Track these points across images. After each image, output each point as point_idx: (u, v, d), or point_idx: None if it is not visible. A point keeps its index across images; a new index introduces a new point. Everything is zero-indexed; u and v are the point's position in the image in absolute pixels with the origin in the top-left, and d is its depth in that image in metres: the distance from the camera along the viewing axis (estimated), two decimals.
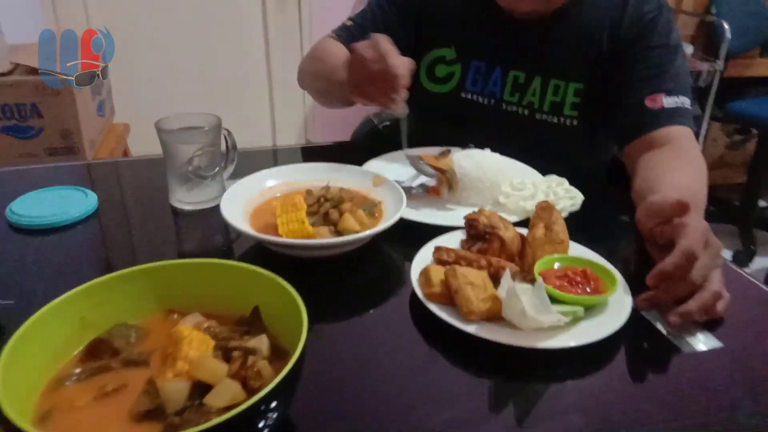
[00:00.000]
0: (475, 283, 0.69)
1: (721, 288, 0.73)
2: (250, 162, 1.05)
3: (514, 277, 0.74)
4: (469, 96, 1.27)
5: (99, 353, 0.58)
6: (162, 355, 0.58)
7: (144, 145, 2.93)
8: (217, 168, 0.97)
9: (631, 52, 1.14)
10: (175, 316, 0.63)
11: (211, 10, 2.90)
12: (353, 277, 0.83)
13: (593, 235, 0.94)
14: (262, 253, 0.84)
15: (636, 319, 0.72)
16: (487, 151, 1.05)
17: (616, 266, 0.80)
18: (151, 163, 1.15)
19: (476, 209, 0.85)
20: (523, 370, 0.66)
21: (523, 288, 0.68)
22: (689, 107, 1.12)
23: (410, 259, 0.80)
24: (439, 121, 1.32)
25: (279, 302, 0.59)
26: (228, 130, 1.00)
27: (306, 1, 2.96)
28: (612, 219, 1.04)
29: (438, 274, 0.73)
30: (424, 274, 0.74)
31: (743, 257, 2.75)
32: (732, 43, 2.56)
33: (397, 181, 0.98)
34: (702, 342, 0.71)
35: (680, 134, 1.08)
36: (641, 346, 0.72)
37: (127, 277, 0.62)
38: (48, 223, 0.91)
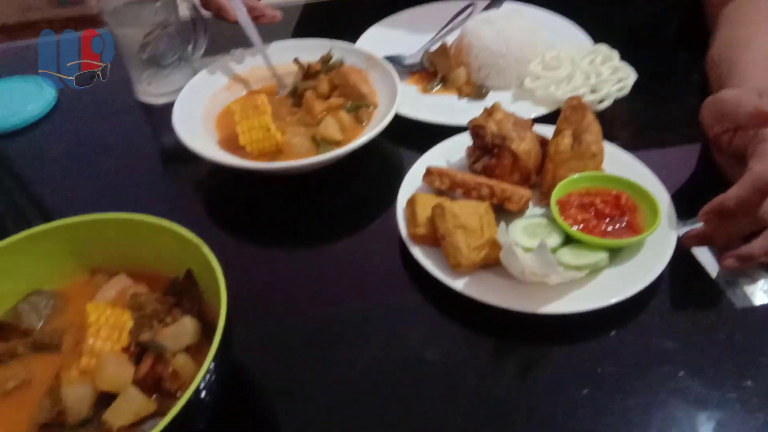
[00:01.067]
0: (467, 226, 0.54)
1: None
2: (226, 31, 0.87)
3: (522, 207, 0.58)
4: None
5: (4, 335, 0.50)
6: (76, 336, 0.49)
7: None
8: (178, 53, 0.80)
9: None
10: (100, 277, 0.53)
11: None
12: (333, 196, 0.69)
13: (643, 133, 0.74)
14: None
15: (679, 255, 0.56)
16: (515, 10, 0.82)
17: (668, 181, 0.62)
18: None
19: (490, 103, 0.66)
20: (525, 332, 0.54)
21: (540, 236, 0.53)
22: None
23: (398, 173, 0.65)
24: None
25: (206, 273, 0.48)
26: (193, 4, 0.81)
27: None
28: (672, 105, 0.81)
29: (425, 208, 0.58)
30: (411, 205, 0.59)
31: None
32: None
33: (397, 57, 0.79)
34: (763, 292, 0.55)
35: None
36: (680, 294, 0.56)
37: (39, 236, 0.52)
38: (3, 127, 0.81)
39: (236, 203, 0.70)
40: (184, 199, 0.72)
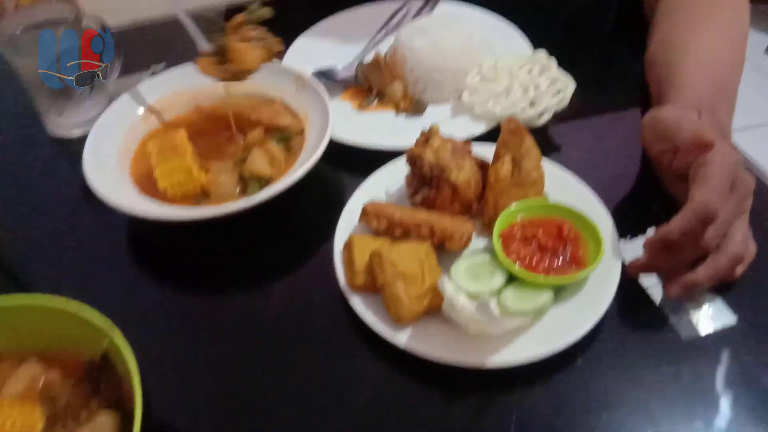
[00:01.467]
0: (408, 275, 0.51)
1: (743, 246, 0.54)
2: (149, 40, 0.80)
3: (464, 245, 0.56)
4: None
5: None
6: None
7: None
8: (94, 77, 0.74)
9: None
10: (7, 364, 0.48)
11: None
12: (264, 236, 0.65)
13: (582, 146, 0.72)
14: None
15: (623, 281, 0.54)
16: (450, 15, 0.78)
17: (610, 196, 0.61)
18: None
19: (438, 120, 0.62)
20: (473, 383, 0.51)
21: (484, 278, 0.50)
22: None
23: (335, 208, 0.62)
24: None
25: (121, 361, 0.43)
26: (100, 22, 0.74)
27: None
28: (611, 114, 0.78)
29: (363, 253, 0.54)
30: (348, 250, 0.56)
31: None
32: None
33: (329, 70, 0.74)
34: (709, 319, 0.54)
35: None
36: (626, 326, 0.55)
37: None
38: None
39: (158, 251, 0.66)
40: (102, 248, 0.67)
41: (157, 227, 0.65)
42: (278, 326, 0.57)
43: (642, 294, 0.56)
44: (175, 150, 0.62)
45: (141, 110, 0.71)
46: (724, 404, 0.49)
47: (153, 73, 0.84)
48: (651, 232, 0.58)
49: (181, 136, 0.63)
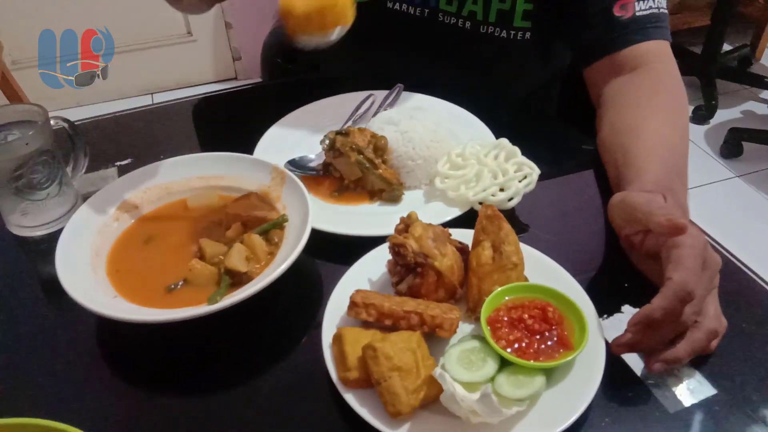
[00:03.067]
0: (403, 367, 0.51)
1: (717, 321, 0.57)
2: (114, 135, 0.80)
3: (454, 331, 0.57)
4: (396, 6, 1.00)
5: None
6: None
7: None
8: (59, 176, 0.72)
9: None
10: None
11: None
12: (248, 329, 0.63)
13: (550, 222, 0.75)
14: None
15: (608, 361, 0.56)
16: (415, 107, 0.83)
17: (583, 274, 0.63)
18: None
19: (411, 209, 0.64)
20: None
21: (476, 366, 0.51)
22: (664, 10, 0.88)
23: (329, 290, 0.62)
24: (359, 39, 1.06)
25: None
26: (69, 122, 0.74)
27: None
28: (570, 189, 0.84)
29: (354, 347, 0.54)
30: (337, 343, 0.56)
31: (705, 113, 2.60)
32: None
33: (302, 159, 0.76)
34: (691, 391, 0.56)
35: (656, 53, 0.86)
36: (613, 400, 0.56)
37: None
38: None
39: (133, 351, 0.63)
40: (72, 353, 0.64)
41: (135, 327, 0.63)
42: (269, 425, 0.56)
43: (626, 370, 0.58)
44: None
45: (113, 208, 0.70)
46: None
47: (119, 170, 0.83)
48: (627, 309, 0.61)
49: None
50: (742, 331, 0.61)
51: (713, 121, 2.60)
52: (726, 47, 2.80)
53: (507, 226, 0.61)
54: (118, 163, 0.85)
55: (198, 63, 2.92)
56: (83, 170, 0.77)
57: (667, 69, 0.85)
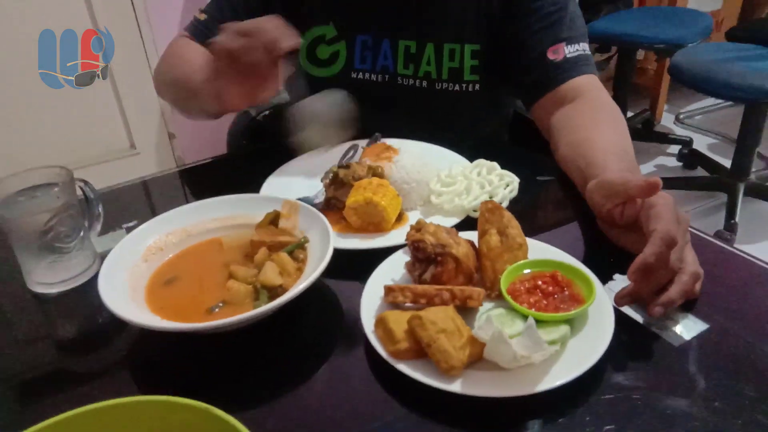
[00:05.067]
0: (447, 329, 0.58)
1: (697, 266, 0.67)
2: (114, 204, 0.85)
3: (481, 303, 0.64)
4: (360, 75, 1.13)
5: None
6: None
7: None
8: (82, 232, 0.77)
9: (523, 5, 1.05)
10: None
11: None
12: (280, 341, 0.68)
13: (537, 219, 0.86)
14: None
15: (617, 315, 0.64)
16: (399, 142, 0.93)
17: (572, 252, 0.72)
18: None
19: (413, 223, 0.73)
20: (518, 412, 0.56)
21: (512, 321, 0.58)
22: (589, 52, 1.05)
23: (351, 301, 0.67)
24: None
25: None
26: (84, 181, 0.79)
27: None
28: (547, 193, 0.97)
29: (399, 323, 0.60)
30: (381, 325, 0.61)
31: None
32: None
33: (304, 199, 0.83)
34: (688, 328, 0.65)
35: (588, 84, 1.02)
36: (628, 344, 0.64)
37: None
38: None
39: (175, 376, 0.66)
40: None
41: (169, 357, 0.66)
42: (323, 410, 0.59)
43: (631, 321, 0.66)
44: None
45: (141, 251, 0.74)
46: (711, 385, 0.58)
47: (128, 230, 0.88)
48: (617, 276, 0.70)
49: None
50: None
51: None
52: (630, 113, 3.16)
53: (507, 214, 0.70)
54: (125, 225, 0.89)
55: (142, 175, 2.97)
56: (99, 228, 0.81)
57: (601, 95, 1.00)
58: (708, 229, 2.35)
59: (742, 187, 2.46)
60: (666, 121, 3.36)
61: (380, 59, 1.12)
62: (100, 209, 0.81)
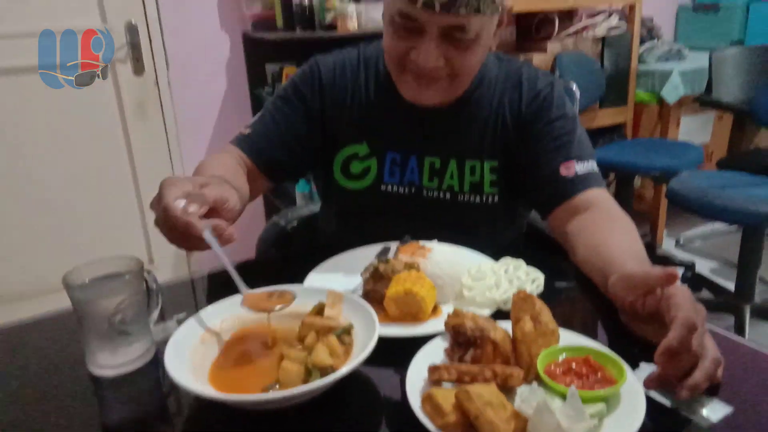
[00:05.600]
0: (493, 403, 0.63)
1: (717, 353, 0.72)
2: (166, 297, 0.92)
3: (519, 381, 0.69)
4: (389, 188, 1.24)
5: None
6: None
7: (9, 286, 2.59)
8: (144, 317, 0.83)
9: (536, 127, 1.18)
10: None
11: (64, 129, 2.68)
12: (335, 419, 0.72)
13: (563, 312, 0.92)
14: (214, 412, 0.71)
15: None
16: (429, 243, 1.02)
17: (599, 341, 0.78)
18: (55, 322, 0.98)
19: (449, 311, 0.79)
20: None
21: (552, 399, 0.62)
22: (597, 169, 1.17)
23: (392, 384, 0.72)
24: (359, 217, 1.28)
25: None
26: (148, 271, 0.87)
27: (168, 105, 2.85)
28: (569, 289, 1.04)
29: (447, 398, 0.65)
30: (429, 401, 0.66)
31: None
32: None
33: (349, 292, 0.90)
34: (714, 411, 0.69)
35: (600, 196, 1.12)
36: (659, 425, 0.68)
37: None
38: None
39: None
40: None
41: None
42: None
43: (659, 404, 0.70)
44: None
45: (199, 335, 0.80)
46: None
47: (178, 321, 0.94)
48: (643, 365, 0.76)
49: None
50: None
51: None
52: None
53: (539, 302, 0.77)
54: (176, 317, 0.95)
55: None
56: (156, 315, 0.88)
57: (613, 206, 1.10)
58: None
59: (748, 310, 2.50)
60: (667, 245, 3.48)
61: (407, 174, 1.23)
62: (160, 299, 0.88)
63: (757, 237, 2.46)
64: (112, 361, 0.81)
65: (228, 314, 0.85)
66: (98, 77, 2.62)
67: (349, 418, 0.73)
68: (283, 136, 1.23)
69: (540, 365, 0.70)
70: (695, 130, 3.45)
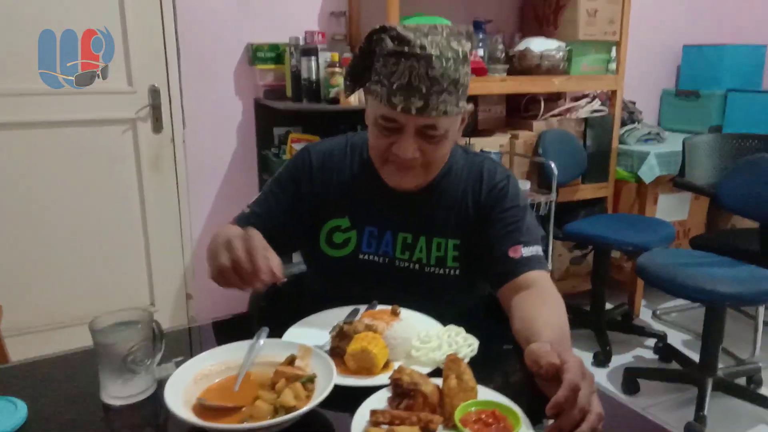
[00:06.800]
0: None
1: (600, 410, 0.92)
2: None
3: (437, 425, 0.88)
4: (366, 257, 1.45)
5: None
6: None
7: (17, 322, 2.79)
8: (150, 359, 1.03)
9: (492, 214, 1.41)
10: None
11: (83, 176, 2.93)
12: None
13: (490, 372, 1.12)
14: None
15: None
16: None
17: (513, 398, 0.97)
18: (76, 358, 1.18)
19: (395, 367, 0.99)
20: None
21: None
22: (541, 253, 1.38)
23: (344, 423, 0.91)
24: (339, 280, 1.48)
25: None
26: (156, 321, 1.07)
27: (182, 161, 3.10)
28: (501, 353, 1.23)
29: None
30: None
31: (602, 358, 3.09)
32: (558, 177, 3.07)
33: (317, 347, 1.10)
34: None
35: (540, 277, 1.33)
36: None
37: None
38: None
39: None
40: None
41: None
42: None
43: None
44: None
45: (192, 376, 1.00)
46: None
47: (176, 363, 1.13)
48: (547, 421, 0.94)
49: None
50: None
51: (611, 365, 3.09)
52: (609, 305, 3.45)
53: (464, 364, 0.97)
54: (174, 360, 1.15)
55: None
56: (159, 358, 1.07)
57: (548, 286, 1.31)
58: (680, 421, 2.54)
59: (710, 382, 2.65)
60: (644, 315, 3.65)
61: (383, 246, 1.45)
62: (163, 344, 1.08)
63: (719, 314, 2.64)
64: (121, 393, 1.01)
65: (217, 360, 1.05)
66: (123, 132, 2.89)
67: None
68: (277, 214, 1.46)
69: (457, 415, 0.90)
70: (673, 207, 3.67)
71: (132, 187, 3.04)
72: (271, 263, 1.09)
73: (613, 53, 3.40)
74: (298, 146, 2.86)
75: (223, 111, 3.14)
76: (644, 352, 3.24)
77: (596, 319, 3.27)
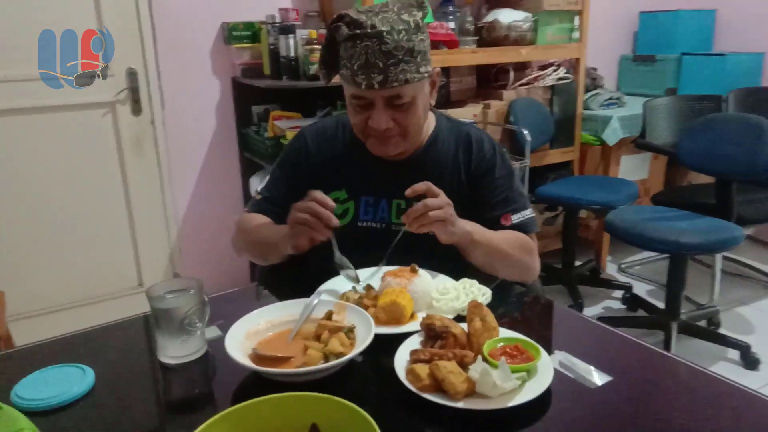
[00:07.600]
0: (454, 371, 0.96)
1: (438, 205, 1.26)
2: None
3: (471, 360, 1.02)
4: (364, 224, 1.57)
5: None
6: None
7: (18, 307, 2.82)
8: (202, 322, 1.13)
9: (484, 182, 1.55)
10: None
11: (64, 161, 2.94)
12: (345, 388, 1.04)
13: (503, 315, 1.27)
14: (255, 388, 1.02)
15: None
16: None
17: (527, 334, 1.12)
18: (132, 323, 1.30)
19: (423, 316, 1.12)
20: (496, 421, 0.93)
21: (491, 369, 0.96)
22: (530, 214, 1.54)
23: (377, 365, 1.04)
24: (341, 248, 1.60)
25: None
26: (206, 291, 1.17)
27: (162, 142, 3.13)
28: (510, 298, 1.39)
29: (422, 370, 0.98)
30: (411, 373, 0.99)
31: (575, 310, 3.31)
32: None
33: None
34: (597, 376, 1.04)
35: (525, 240, 1.50)
36: (561, 387, 1.02)
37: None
38: (53, 404, 1.00)
39: None
40: None
41: None
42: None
43: (562, 375, 1.05)
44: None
45: (244, 331, 1.12)
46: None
47: (218, 326, 1.24)
48: (557, 353, 1.10)
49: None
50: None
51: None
52: (578, 262, 3.67)
53: (485, 308, 1.11)
54: (216, 323, 1.25)
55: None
56: (206, 321, 1.18)
57: (527, 244, 1.48)
58: None
59: (675, 326, 2.89)
60: (611, 269, 3.89)
61: (379, 212, 1.57)
62: (208, 308, 1.18)
63: (681, 263, 2.86)
64: (179, 353, 1.11)
65: (265, 318, 1.16)
66: (102, 115, 2.91)
67: (356, 388, 1.05)
68: (284, 196, 1.59)
69: (485, 350, 1.04)
70: (634, 168, 3.89)
71: (114, 169, 3.07)
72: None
73: (576, 22, 3.55)
74: (280, 123, 2.93)
75: (201, 91, 3.18)
76: (612, 303, 3.47)
77: (567, 275, 3.48)
